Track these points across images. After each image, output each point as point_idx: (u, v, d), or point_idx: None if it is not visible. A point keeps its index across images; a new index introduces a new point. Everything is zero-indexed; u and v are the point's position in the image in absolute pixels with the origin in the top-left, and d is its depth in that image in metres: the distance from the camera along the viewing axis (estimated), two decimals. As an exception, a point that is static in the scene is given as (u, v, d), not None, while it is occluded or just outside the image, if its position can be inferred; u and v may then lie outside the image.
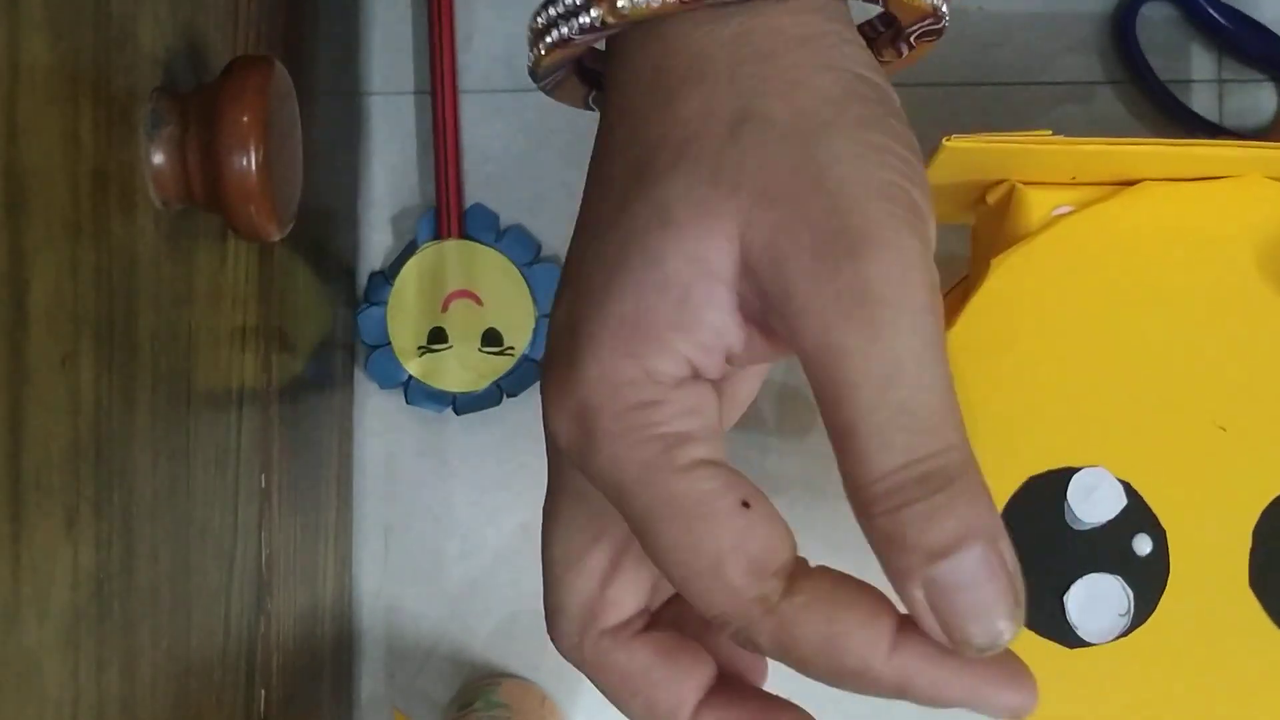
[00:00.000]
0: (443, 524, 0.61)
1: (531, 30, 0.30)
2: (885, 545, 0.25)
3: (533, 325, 0.60)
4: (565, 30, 0.29)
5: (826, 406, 0.25)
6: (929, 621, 0.25)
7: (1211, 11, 0.59)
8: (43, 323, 0.25)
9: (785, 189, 0.26)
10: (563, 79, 0.33)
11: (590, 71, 0.33)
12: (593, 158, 0.31)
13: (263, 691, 0.43)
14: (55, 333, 0.25)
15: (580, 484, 0.28)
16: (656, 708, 0.29)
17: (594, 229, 0.29)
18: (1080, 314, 0.45)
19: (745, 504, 0.26)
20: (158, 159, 0.30)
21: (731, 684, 0.30)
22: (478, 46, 0.61)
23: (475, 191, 0.61)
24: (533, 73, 0.32)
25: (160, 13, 0.31)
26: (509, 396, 0.60)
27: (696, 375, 0.27)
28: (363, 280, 0.61)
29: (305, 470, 0.50)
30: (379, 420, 0.61)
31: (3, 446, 0.23)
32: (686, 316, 0.26)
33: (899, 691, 0.26)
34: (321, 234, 0.53)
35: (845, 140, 0.26)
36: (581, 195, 0.30)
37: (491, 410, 0.60)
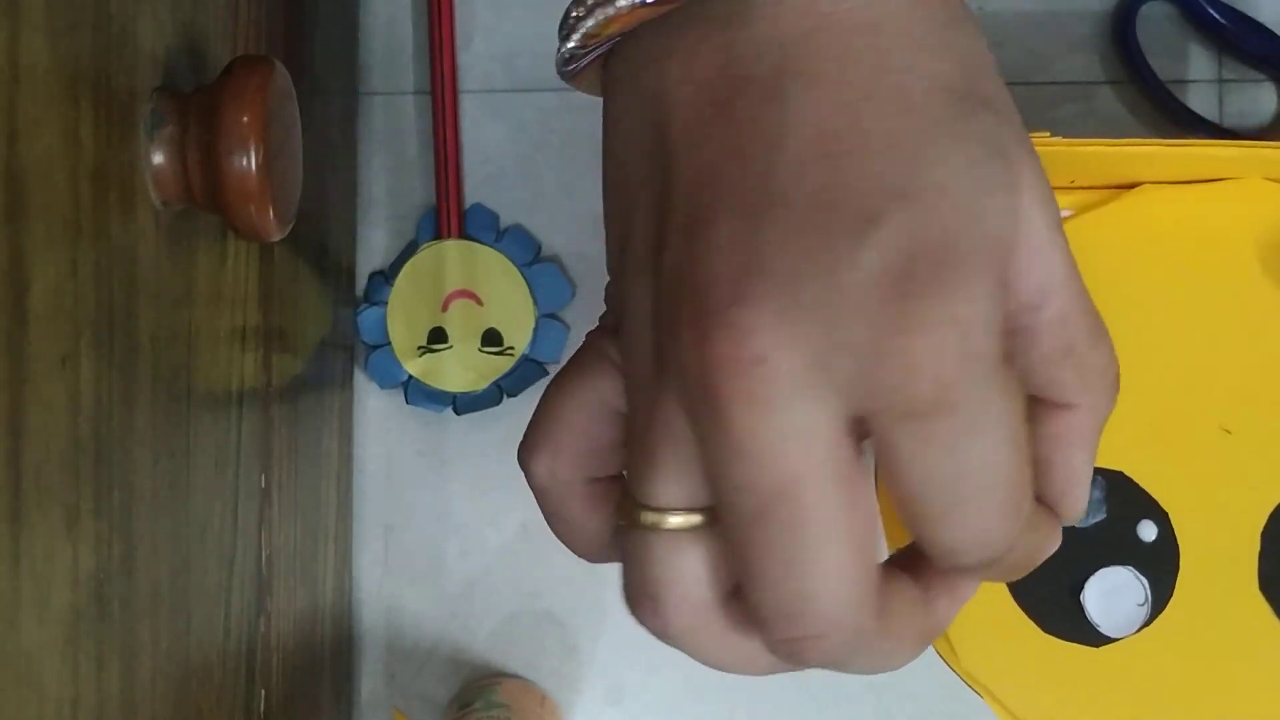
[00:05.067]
0: (442, 524, 0.61)
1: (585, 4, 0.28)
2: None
3: (533, 325, 0.60)
4: None
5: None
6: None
7: (1211, 11, 0.59)
8: (43, 323, 0.25)
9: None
10: (592, 59, 0.31)
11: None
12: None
13: (263, 691, 0.43)
14: (55, 333, 0.26)
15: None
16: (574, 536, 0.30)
17: (905, 136, 0.25)
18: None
19: None
20: (158, 159, 0.30)
21: None
22: (478, 46, 0.61)
23: (475, 191, 0.61)
24: (576, 52, 0.29)
25: (160, 13, 0.31)
26: (509, 396, 0.60)
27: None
28: (363, 280, 0.61)
29: (305, 470, 0.50)
30: (379, 420, 0.61)
31: (3, 446, 0.23)
32: (1042, 247, 0.26)
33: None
34: (321, 234, 0.53)
35: None
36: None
37: (491, 410, 0.60)
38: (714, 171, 0.25)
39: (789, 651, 0.26)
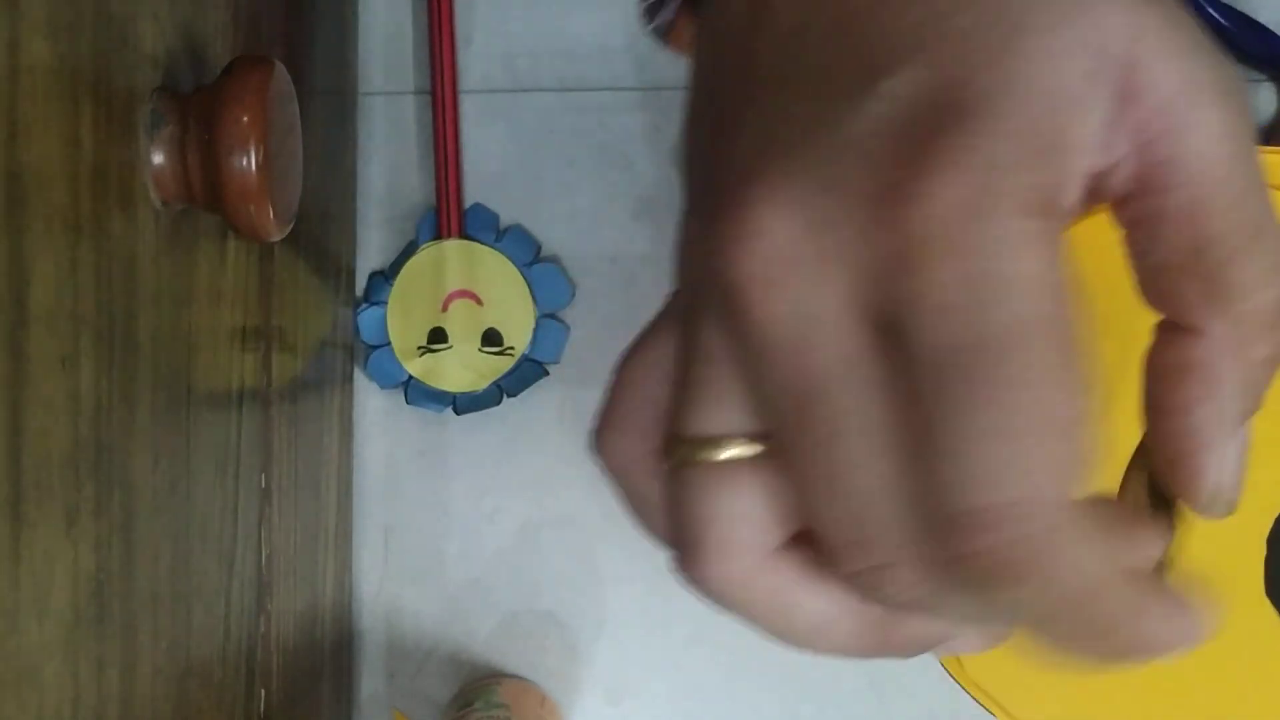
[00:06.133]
0: (443, 524, 0.61)
1: None
2: (1237, 388, 0.22)
3: (533, 325, 0.60)
4: None
5: (1201, 228, 0.22)
6: (1211, 483, 0.23)
7: (1210, 11, 0.59)
8: (43, 323, 0.25)
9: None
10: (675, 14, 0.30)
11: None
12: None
13: (263, 691, 0.43)
14: (55, 333, 0.26)
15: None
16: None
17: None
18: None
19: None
20: (158, 159, 0.30)
21: None
22: (478, 46, 0.61)
23: (475, 191, 0.61)
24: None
25: (160, 13, 0.31)
26: (509, 396, 0.60)
27: (1083, 178, 0.22)
28: (363, 280, 0.61)
29: (305, 470, 0.50)
30: (379, 420, 0.61)
31: (3, 447, 0.23)
32: (1089, 98, 0.21)
33: (1141, 648, 0.23)
34: (321, 234, 0.53)
35: None
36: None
37: (491, 410, 0.60)
38: (750, 71, 0.24)
39: (865, 589, 0.22)
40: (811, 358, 0.21)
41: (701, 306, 0.23)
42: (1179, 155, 0.22)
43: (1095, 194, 0.23)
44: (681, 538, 0.24)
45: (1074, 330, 0.21)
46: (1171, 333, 0.23)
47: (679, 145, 0.27)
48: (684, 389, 0.24)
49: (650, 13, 0.29)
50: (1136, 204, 0.22)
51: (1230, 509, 0.23)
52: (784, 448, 0.22)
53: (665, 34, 0.29)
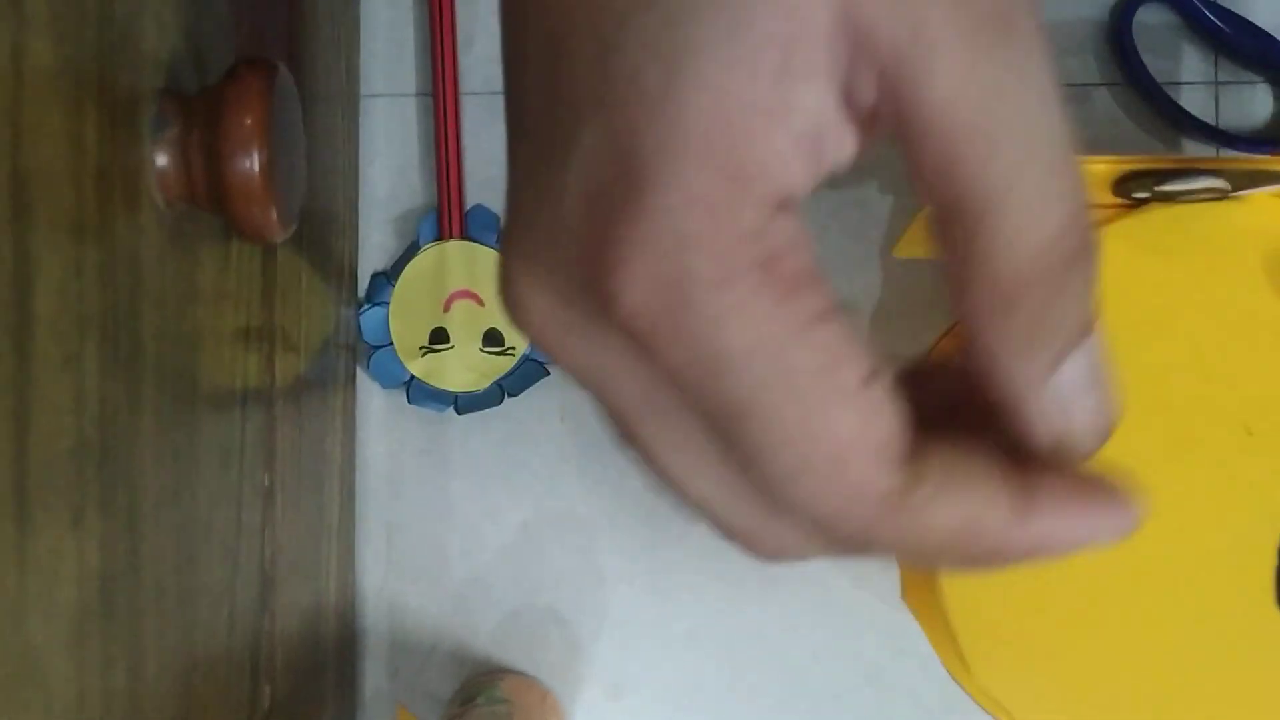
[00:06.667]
0: (445, 522, 0.61)
1: None
2: (1023, 340, 0.20)
3: (534, 325, 0.60)
4: None
5: (953, 183, 0.20)
6: (1048, 429, 0.22)
7: (1207, 14, 0.60)
8: (47, 323, 0.25)
9: None
10: None
11: None
12: None
13: (267, 688, 0.43)
14: (60, 333, 0.26)
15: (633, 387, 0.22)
16: None
17: (607, 21, 0.20)
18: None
19: (870, 375, 0.21)
20: (161, 161, 0.31)
21: None
22: (479, 49, 0.61)
23: (476, 192, 0.61)
24: None
25: (163, 15, 0.31)
26: (510, 396, 0.60)
27: (788, 196, 0.20)
28: (365, 281, 0.61)
29: (308, 469, 0.50)
30: (381, 420, 0.61)
31: (8, 446, 0.24)
32: (786, 99, 0.19)
33: (1028, 556, 0.22)
34: (324, 235, 0.53)
35: None
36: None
37: (493, 410, 0.60)
38: (509, 91, 0.23)
39: (748, 552, 0.24)
40: (614, 399, 0.23)
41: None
42: (919, 108, 0.19)
43: (869, 124, 0.21)
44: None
45: (805, 358, 0.20)
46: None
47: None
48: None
49: None
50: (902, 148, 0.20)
51: (1091, 446, 0.22)
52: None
53: None
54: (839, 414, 0.20)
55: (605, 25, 0.20)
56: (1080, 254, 0.20)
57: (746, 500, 0.23)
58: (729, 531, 0.23)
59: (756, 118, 0.19)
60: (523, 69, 0.22)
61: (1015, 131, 0.20)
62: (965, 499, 0.21)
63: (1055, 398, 0.21)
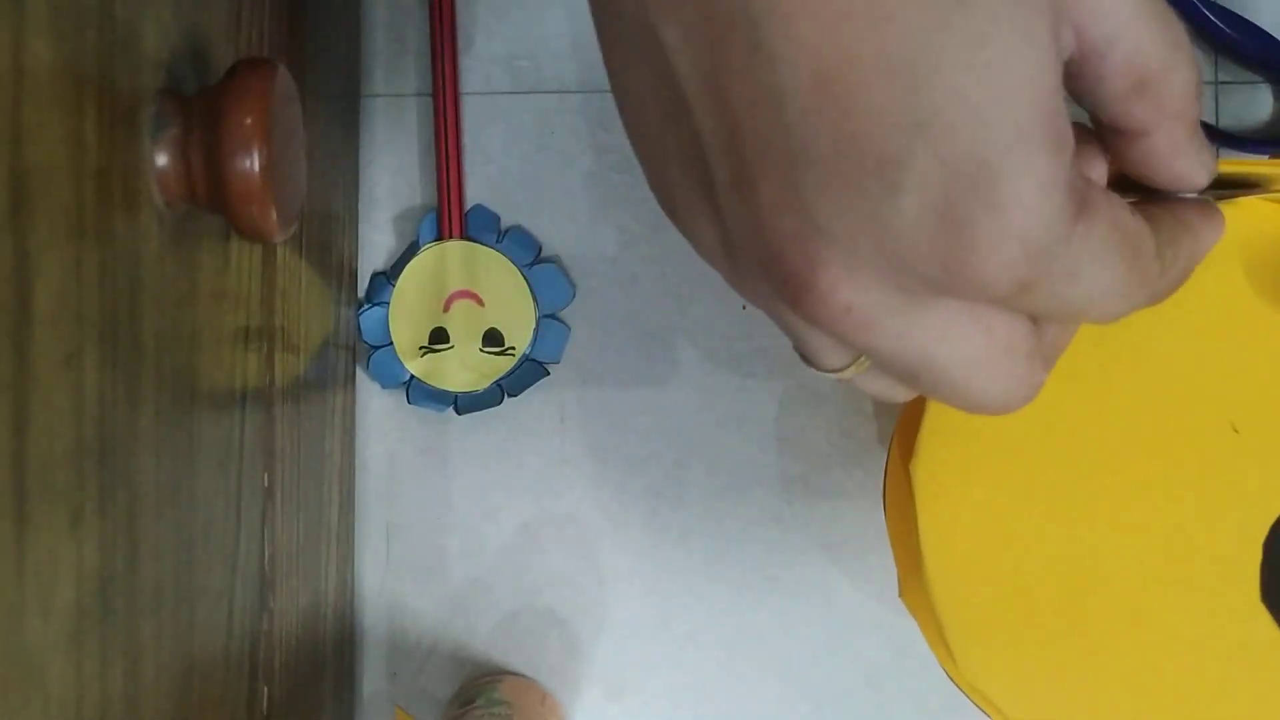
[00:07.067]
0: (444, 523, 0.61)
1: None
2: (1189, 135, 0.28)
3: (533, 325, 0.60)
4: None
5: (1138, 69, 0.26)
6: (1186, 173, 0.29)
7: (1207, 14, 0.60)
8: (47, 323, 0.25)
9: None
10: None
11: None
12: None
13: (265, 689, 0.43)
14: (59, 333, 0.26)
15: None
16: None
17: (907, 49, 0.23)
18: (1079, 334, 0.46)
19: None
20: (161, 160, 0.31)
21: None
22: (479, 49, 0.61)
23: (476, 193, 0.61)
24: None
25: (163, 15, 0.31)
26: (510, 396, 0.60)
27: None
28: (365, 281, 0.61)
29: (308, 469, 0.50)
30: (381, 420, 0.61)
31: (7, 446, 0.24)
32: (1059, 71, 0.24)
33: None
34: (324, 235, 0.53)
35: None
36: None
37: (492, 410, 0.60)
38: (737, 129, 0.25)
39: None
40: (912, 357, 0.27)
41: (780, 307, 0.28)
42: (1110, 25, 0.25)
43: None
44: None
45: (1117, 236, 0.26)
46: (1129, 138, 0.28)
47: (624, 121, 0.29)
48: (811, 353, 0.29)
49: None
50: (1080, 65, 0.26)
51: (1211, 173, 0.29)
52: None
53: None
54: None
55: (895, 52, 0.23)
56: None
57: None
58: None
59: (1055, 95, 0.24)
60: (780, 107, 0.24)
61: (1168, 22, 0.26)
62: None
63: (1198, 155, 0.28)
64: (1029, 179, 0.23)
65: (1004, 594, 0.45)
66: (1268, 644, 0.44)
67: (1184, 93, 0.27)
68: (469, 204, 0.61)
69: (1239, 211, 0.46)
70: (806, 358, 0.30)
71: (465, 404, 0.60)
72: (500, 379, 0.60)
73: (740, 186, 0.26)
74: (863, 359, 0.29)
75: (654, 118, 0.27)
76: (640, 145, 0.28)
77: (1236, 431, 0.45)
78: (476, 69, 0.61)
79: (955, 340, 0.26)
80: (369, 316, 0.60)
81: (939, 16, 0.23)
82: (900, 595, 0.51)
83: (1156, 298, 0.28)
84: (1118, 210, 0.26)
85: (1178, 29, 0.27)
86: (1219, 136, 0.60)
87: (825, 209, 0.24)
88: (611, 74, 0.28)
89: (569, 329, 0.60)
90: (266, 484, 0.43)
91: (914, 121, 0.23)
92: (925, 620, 0.48)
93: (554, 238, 0.60)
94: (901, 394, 0.31)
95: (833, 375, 0.30)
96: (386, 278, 0.60)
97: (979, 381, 0.27)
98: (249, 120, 0.30)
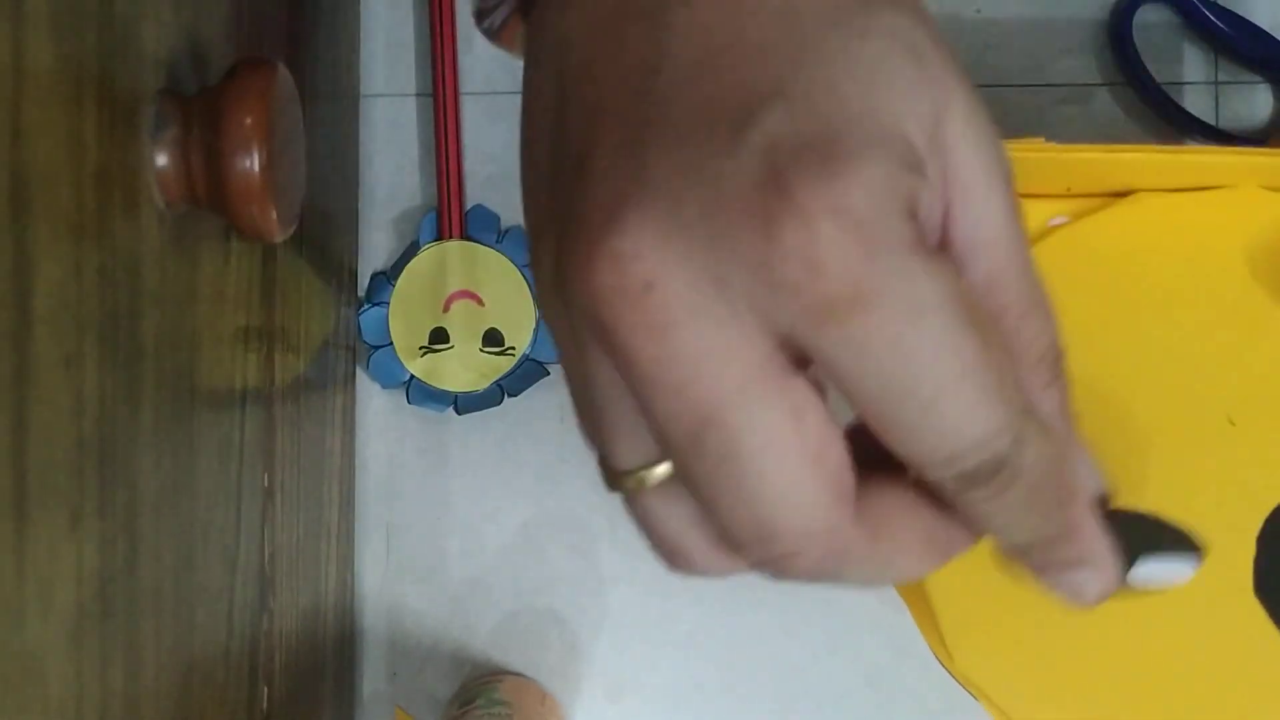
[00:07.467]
0: (444, 522, 0.61)
1: None
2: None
3: (533, 325, 0.60)
4: None
5: (1000, 287, 0.24)
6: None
7: (1207, 14, 0.60)
8: (47, 323, 0.25)
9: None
10: (508, 16, 0.30)
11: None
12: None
13: (265, 689, 0.43)
14: (59, 333, 0.26)
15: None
16: None
17: (794, 38, 0.23)
18: (1075, 326, 0.46)
19: None
20: (161, 161, 0.31)
21: None
22: (479, 49, 0.61)
23: (476, 193, 0.61)
24: (484, 3, 0.29)
25: (163, 15, 0.31)
26: (510, 396, 0.60)
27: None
28: (365, 281, 0.61)
29: (308, 469, 0.50)
30: (381, 420, 0.61)
31: (7, 446, 0.24)
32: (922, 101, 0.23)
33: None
34: (324, 235, 0.53)
35: None
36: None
37: (492, 410, 0.61)
38: (599, 105, 0.24)
39: (773, 572, 0.24)
40: (700, 394, 0.22)
41: (585, 343, 0.24)
42: (976, 231, 0.24)
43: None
44: (660, 550, 0.26)
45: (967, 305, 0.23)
46: None
47: (521, 162, 0.28)
48: (603, 428, 0.25)
49: (480, 16, 0.30)
50: None
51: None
52: (680, 468, 0.24)
53: (496, 35, 0.30)
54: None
55: (785, 40, 0.23)
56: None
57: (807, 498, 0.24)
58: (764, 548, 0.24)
59: (957, 190, 0.24)
60: (654, 75, 0.24)
61: (1029, 261, 0.25)
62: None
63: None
64: (876, 167, 0.22)
65: (997, 584, 0.45)
66: (1260, 636, 0.44)
67: (1045, 357, 0.25)
68: (469, 204, 0.61)
69: (1235, 205, 0.46)
70: (602, 448, 0.26)
71: (465, 404, 0.60)
72: (500, 379, 0.60)
73: (581, 160, 0.24)
74: (661, 465, 0.25)
75: (540, 127, 0.27)
76: (524, 157, 0.28)
77: (1233, 424, 0.45)
78: (477, 69, 0.61)
79: (756, 405, 0.22)
80: (369, 316, 0.60)
81: (841, 18, 0.23)
82: (894, 584, 0.51)
83: (1006, 455, 0.23)
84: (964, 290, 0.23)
85: (1040, 287, 0.25)
86: (1219, 136, 0.60)
87: (658, 167, 0.23)
88: (524, 108, 0.28)
89: (569, 329, 0.60)
90: (266, 484, 0.43)
91: (779, 91, 0.22)
92: (920, 611, 0.48)
93: (554, 238, 0.60)
94: (695, 543, 0.26)
95: (620, 488, 0.26)
96: (386, 278, 0.60)
97: (770, 477, 0.23)
98: (249, 120, 0.30)
